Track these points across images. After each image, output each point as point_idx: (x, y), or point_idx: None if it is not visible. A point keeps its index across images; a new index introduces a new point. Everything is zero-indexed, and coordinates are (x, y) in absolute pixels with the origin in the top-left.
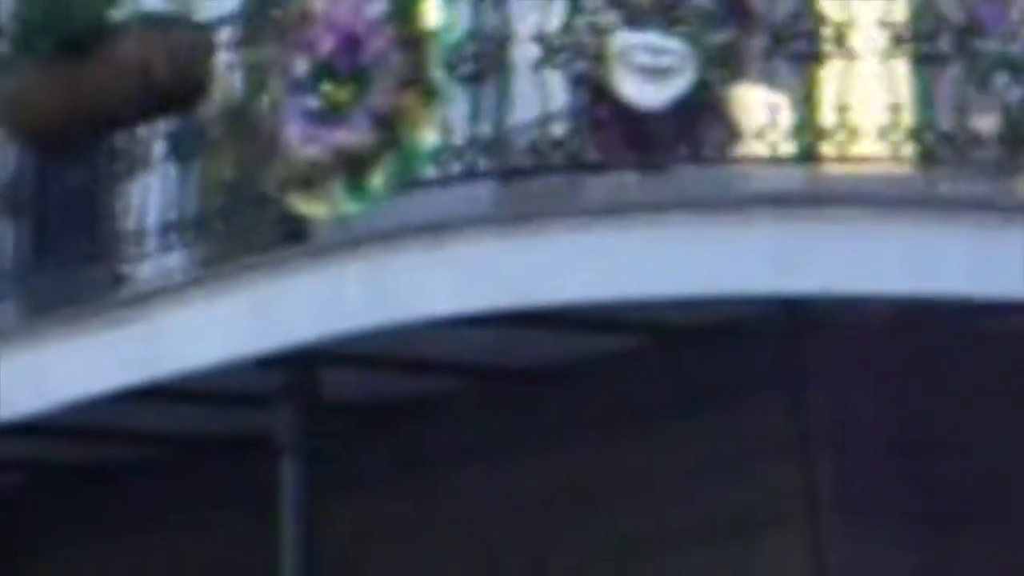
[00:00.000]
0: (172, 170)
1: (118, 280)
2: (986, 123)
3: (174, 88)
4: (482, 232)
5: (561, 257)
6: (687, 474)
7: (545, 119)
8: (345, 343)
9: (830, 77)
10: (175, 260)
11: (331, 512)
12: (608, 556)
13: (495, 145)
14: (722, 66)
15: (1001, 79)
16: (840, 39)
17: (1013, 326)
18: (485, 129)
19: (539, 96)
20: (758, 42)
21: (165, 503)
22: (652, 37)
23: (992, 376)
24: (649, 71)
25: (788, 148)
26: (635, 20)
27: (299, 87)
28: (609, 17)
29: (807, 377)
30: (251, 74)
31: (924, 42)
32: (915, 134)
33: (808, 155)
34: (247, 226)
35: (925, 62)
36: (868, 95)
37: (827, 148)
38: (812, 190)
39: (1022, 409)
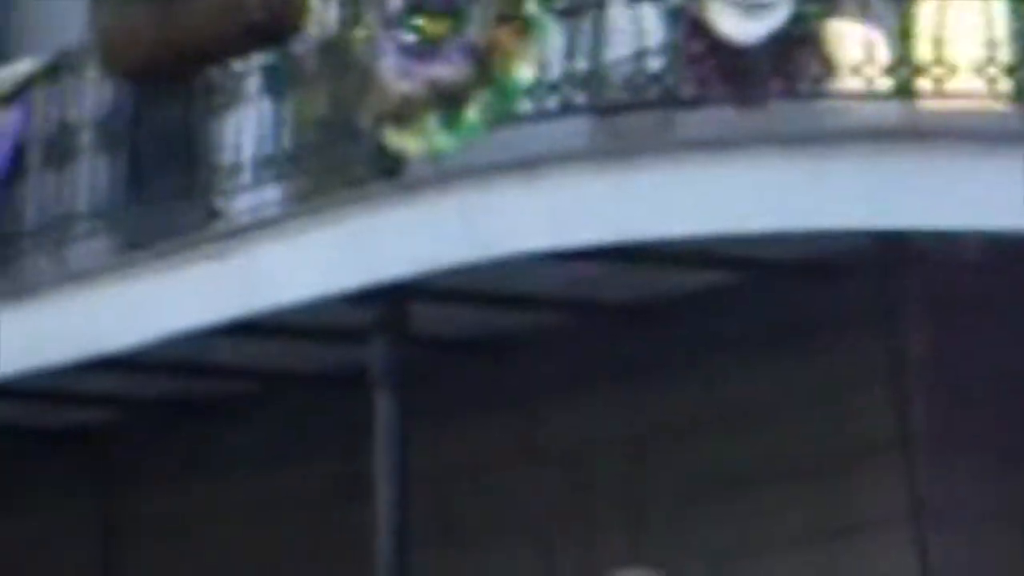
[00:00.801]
0: (267, 105)
1: (212, 215)
2: None
3: (269, 23)
4: (577, 167)
5: (656, 192)
6: (782, 408)
7: (641, 54)
8: (438, 278)
9: (926, 13)
10: (269, 195)
11: (424, 446)
12: (705, 489)
13: (591, 80)
14: (818, 0)
15: None
16: None
17: None
18: (581, 64)
19: (635, 31)
20: None
21: (259, 438)
22: None
23: None
24: (745, 5)
25: (884, 83)
26: None
27: (394, 21)
28: None
29: (903, 312)
30: (346, 8)
31: None
32: (1011, 70)
33: (904, 90)
34: (341, 161)
35: None
36: (964, 31)
37: (923, 83)
38: (908, 125)
39: None
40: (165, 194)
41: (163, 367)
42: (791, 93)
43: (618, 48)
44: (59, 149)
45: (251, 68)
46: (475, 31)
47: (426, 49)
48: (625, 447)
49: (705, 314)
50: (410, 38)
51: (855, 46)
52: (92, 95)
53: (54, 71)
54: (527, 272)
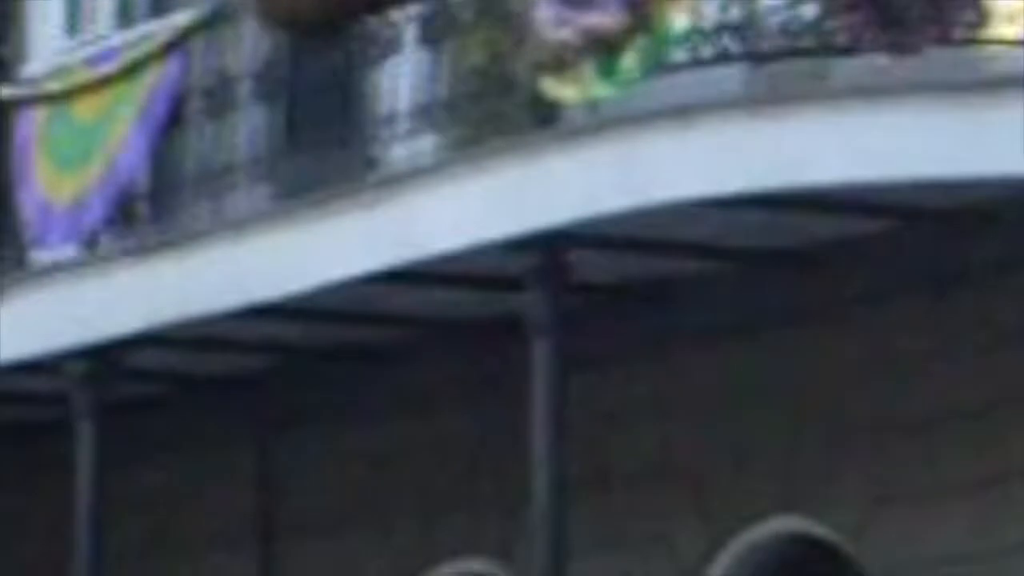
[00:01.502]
0: (423, 54)
1: (369, 163)
2: None
3: None
4: (732, 115)
5: (811, 140)
6: (939, 356)
7: (796, 1)
8: (595, 226)
9: None
10: (425, 144)
11: (582, 392)
12: (858, 437)
13: (745, 28)
14: None
15: None
16: None
17: None
18: (736, 12)
19: None
20: None
21: (417, 385)
22: None
23: None
24: None
25: None
26: None
27: None
28: None
29: None
30: None
31: None
32: None
33: None
34: (498, 110)
35: None
36: None
37: None
38: None
39: None
40: (322, 143)
41: (320, 315)
42: (945, 40)
43: None
44: (217, 100)
45: (408, 17)
46: None
47: None
48: (778, 394)
49: (860, 261)
50: None
51: None
52: (250, 46)
53: (212, 22)
54: (682, 219)
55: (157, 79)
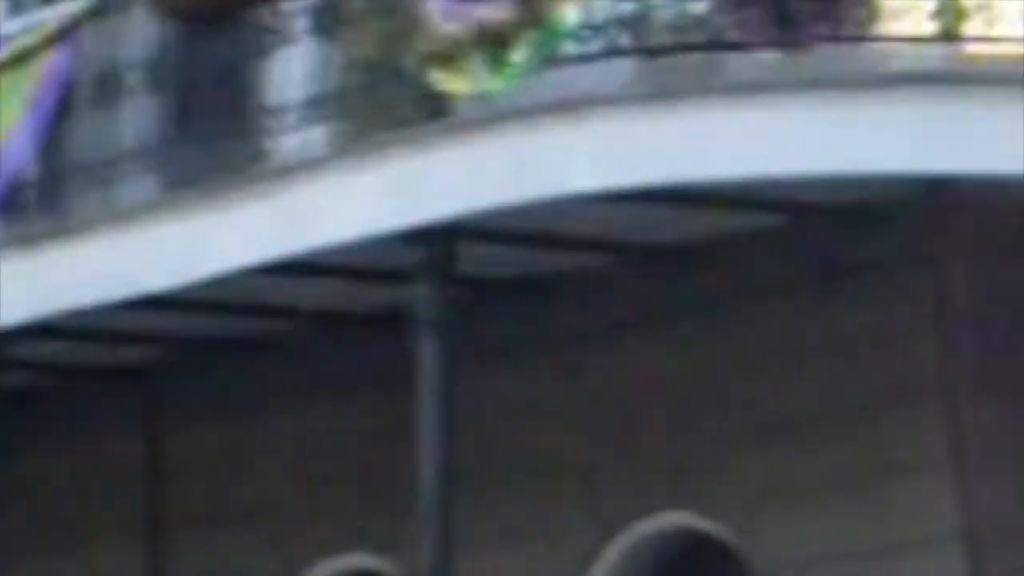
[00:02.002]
0: (314, 45)
1: (260, 155)
2: None
3: None
4: (622, 109)
5: (701, 135)
6: (827, 352)
7: None
8: (485, 219)
9: None
10: (316, 135)
11: (469, 387)
12: (747, 431)
13: (636, 22)
14: None
15: None
16: None
17: None
18: (626, 6)
19: None
20: None
21: (304, 377)
22: None
23: None
24: None
25: (930, 27)
26: None
27: None
28: None
29: (947, 257)
30: None
31: None
32: None
33: (949, 34)
34: (388, 102)
35: None
36: None
37: (969, 28)
38: (954, 70)
39: None
40: (212, 134)
41: (209, 306)
42: (836, 37)
43: None
44: (107, 88)
45: (299, 8)
46: None
47: None
48: (669, 389)
49: (750, 257)
50: None
51: None
52: (140, 34)
53: (102, 11)
54: (572, 213)
55: (47, 68)
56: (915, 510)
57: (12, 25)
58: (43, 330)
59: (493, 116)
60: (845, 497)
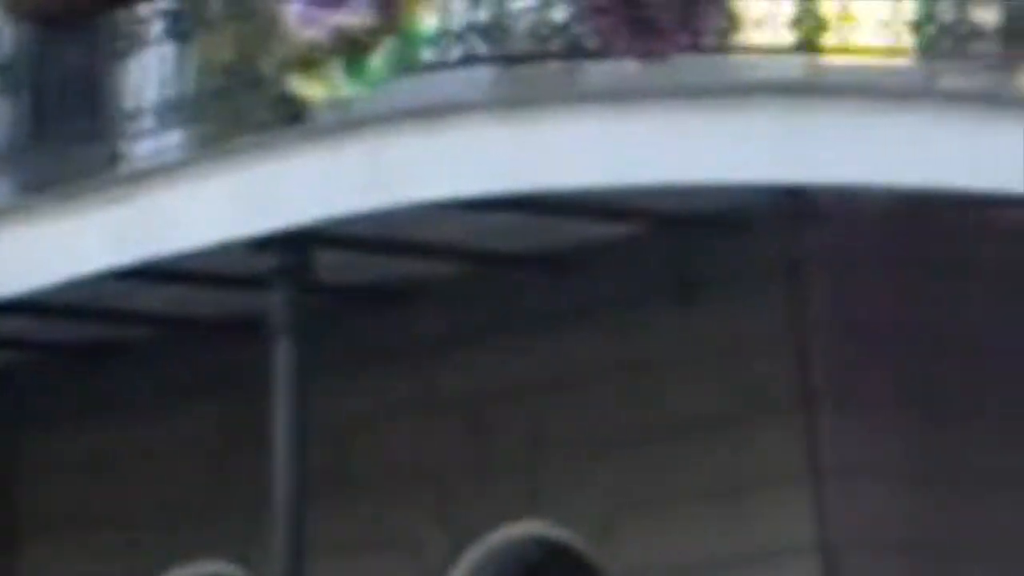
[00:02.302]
0: (171, 49)
1: (114, 158)
2: (987, 16)
3: None
4: (481, 117)
5: (560, 143)
6: (685, 363)
7: (545, 4)
8: (341, 226)
9: None
10: (172, 139)
11: (325, 394)
12: (604, 441)
13: (495, 30)
14: None
15: None
16: None
17: (1012, 219)
18: (485, 13)
19: None
20: None
21: (161, 384)
22: None
23: (992, 269)
24: None
25: (789, 38)
26: None
27: None
28: None
29: (805, 267)
30: None
31: None
32: (916, 26)
33: (808, 45)
34: (245, 107)
35: None
36: None
37: (827, 38)
38: (812, 80)
39: (1022, 301)
40: (67, 137)
41: (63, 311)
42: (696, 47)
43: None
44: None
45: (155, 12)
46: None
47: None
48: (525, 398)
49: (607, 266)
50: None
51: (760, 1)
52: None
53: None
54: (430, 220)
55: None
56: (771, 520)
57: None
58: None
59: (350, 122)
60: (701, 507)
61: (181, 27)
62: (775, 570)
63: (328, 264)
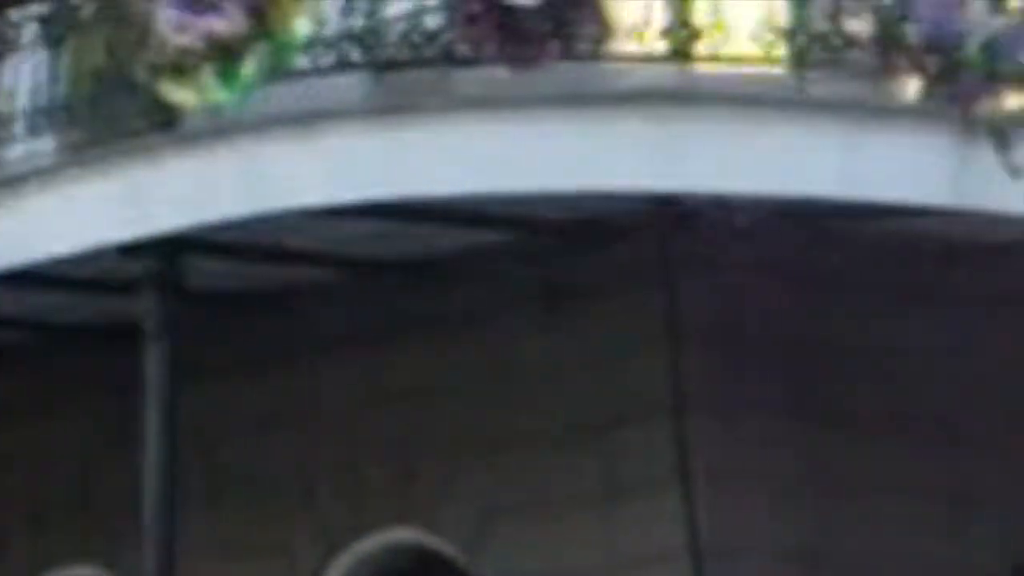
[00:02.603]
0: (43, 54)
1: None
2: (859, 25)
3: None
4: (353, 123)
5: (431, 150)
6: (556, 368)
7: (418, 11)
8: (213, 232)
9: None
10: (43, 145)
11: (195, 400)
12: (476, 447)
13: (368, 37)
14: None
15: None
16: None
17: (883, 227)
18: (358, 20)
19: None
20: None
21: (33, 389)
22: None
23: (863, 276)
24: None
25: (661, 46)
26: None
27: None
28: None
29: (680, 274)
30: None
31: None
32: (788, 35)
33: (681, 53)
34: (117, 112)
35: None
36: None
37: (700, 47)
38: (684, 88)
39: (892, 307)
40: None
41: None
42: (568, 54)
43: (397, 5)
44: None
45: (28, 17)
46: None
47: (203, 2)
48: (398, 404)
49: (480, 273)
50: None
51: (633, 8)
52: None
53: None
54: (302, 227)
55: None
56: (643, 527)
57: None
58: None
59: (222, 129)
60: (573, 513)
61: (53, 31)
62: None
63: (200, 270)
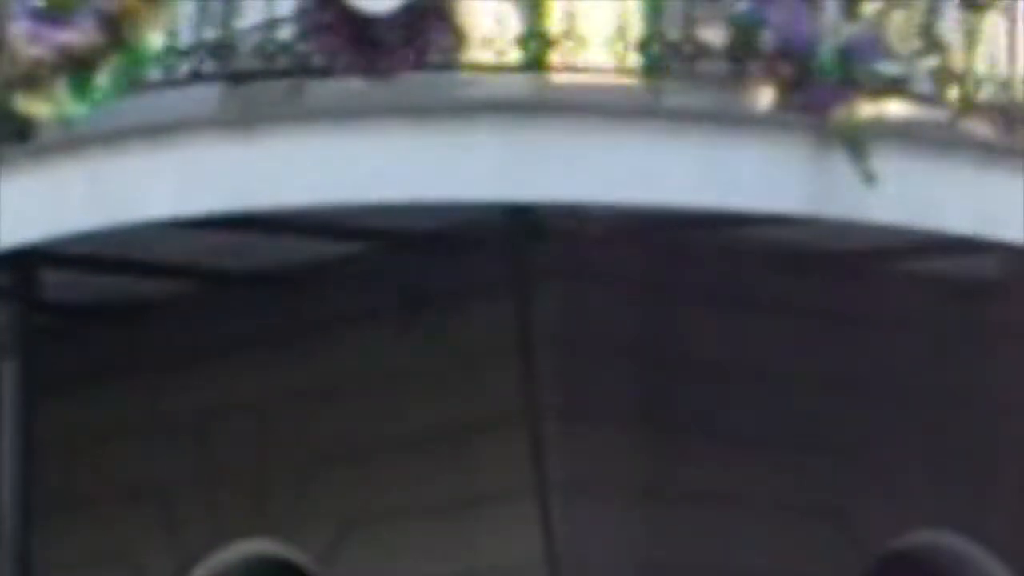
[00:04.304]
0: None
1: None
2: (713, 35)
3: None
4: (206, 135)
5: (285, 161)
6: (410, 379)
7: (272, 23)
8: (66, 244)
9: None
10: None
11: (51, 412)
12: (331, 458)
13: (221, 48)
14: None
15: None
16: None
17: (739, 236)
18: (212, 31)
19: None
20: None
21: None
22: None
23: (718, 286)
24: None
25: (515, 56)
26: None
27: None
28: None
29: (532, 285)
30: None
31: None
32: (642, 44)
33: (535, 63)
34: None
35: None
36: (596, 4)
37: (554, 57)
38: (538, 98)
39: (747, 316)
40: None
41: None
42: (421, 64)
43: (250, 16)
44: None
45: None
46: None
47: (57, 14)
48: (252, 415)
49: (335, 284)
50: (40, 2)
51: (486, 18)
52: None
53: None
54: (155, 239)
55: None
56: (500, 537)
57: None
58: None
59: (73, 141)
60: (429, 523)
61: None
62: None
63: (55, 282)
